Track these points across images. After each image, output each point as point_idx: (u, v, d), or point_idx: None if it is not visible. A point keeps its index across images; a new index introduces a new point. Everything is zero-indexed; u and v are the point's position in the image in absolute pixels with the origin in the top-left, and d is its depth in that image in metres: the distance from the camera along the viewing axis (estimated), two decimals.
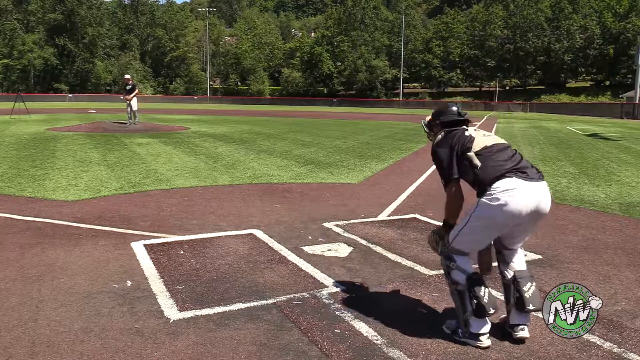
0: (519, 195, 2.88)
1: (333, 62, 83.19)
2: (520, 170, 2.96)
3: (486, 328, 3.02)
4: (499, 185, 2.91)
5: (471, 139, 3.15)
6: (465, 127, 3.31)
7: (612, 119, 41.76)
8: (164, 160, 10.56)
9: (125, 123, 20.95)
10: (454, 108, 3.43)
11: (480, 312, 2.98)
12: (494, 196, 2.90)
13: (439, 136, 3.31)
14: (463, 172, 3.12)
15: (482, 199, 2.97)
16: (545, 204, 2.99)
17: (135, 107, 20.44)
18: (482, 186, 2.99)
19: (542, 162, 11.83)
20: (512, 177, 2.92)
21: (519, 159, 3.07)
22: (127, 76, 22.18)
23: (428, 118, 3.56)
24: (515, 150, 3.18)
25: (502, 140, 3.20)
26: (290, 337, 3.06)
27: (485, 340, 3.00)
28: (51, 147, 12.62)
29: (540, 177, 3.02)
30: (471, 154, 3.07)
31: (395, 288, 3.89)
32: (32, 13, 77.44)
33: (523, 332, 3.07)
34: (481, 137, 3.18)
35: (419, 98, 79.13)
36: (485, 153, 3.06)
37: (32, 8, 77.58)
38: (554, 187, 8.52)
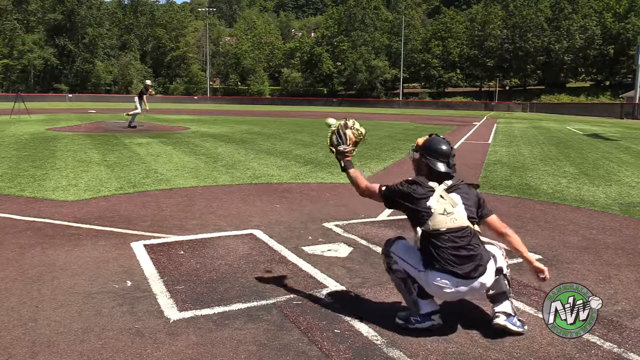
0: (450, 292, 3.06)
1: (333, 62, 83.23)
2: (457, 269, 3.01)
3: (434, 307, 3.15)
4: (436, 277, 3.04)
5: (429, 214, 3.10)
6: (434, 189, 3.17)
7: (612, 119, 41.80)
8: (164, 160, 10.56)
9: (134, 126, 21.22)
10: (444, 148, 3.25)
11: (424, 291, 3.14)
12: (430, 282, 3.07)
13: (415, 174, 3.43)
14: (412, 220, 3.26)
15: (422, 273, 3.10)
16: (478, 293, 3.14)
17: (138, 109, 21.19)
18: (425, 259, 3.11)
19: (542, 162, 11.83)
20: (447, 275, 3.02)
21: (464, 254, 3.02)
22: (148, 82, 22.69)
23: (420, 142, 3.36)
24: (469, 233, 3.07)
25: (459, 222, 3.06)
26: (290, 337, 3.06)
27: (437, 319, 3.12)
28: (51, 147, 12.62)
29: (477, 274, 3.03)
30: (420, 230, 3.14)
31: (395, 288, 3.87)
32: (32, 13, 77.50)
33: (498, 320, 3.11)
34: (440, 216, 3.08)
35: (419, 98, 79.17)
36: (434, 238, 3.07)
37: (32, 8, 77.64)
38: (554, 187, 8.53)
